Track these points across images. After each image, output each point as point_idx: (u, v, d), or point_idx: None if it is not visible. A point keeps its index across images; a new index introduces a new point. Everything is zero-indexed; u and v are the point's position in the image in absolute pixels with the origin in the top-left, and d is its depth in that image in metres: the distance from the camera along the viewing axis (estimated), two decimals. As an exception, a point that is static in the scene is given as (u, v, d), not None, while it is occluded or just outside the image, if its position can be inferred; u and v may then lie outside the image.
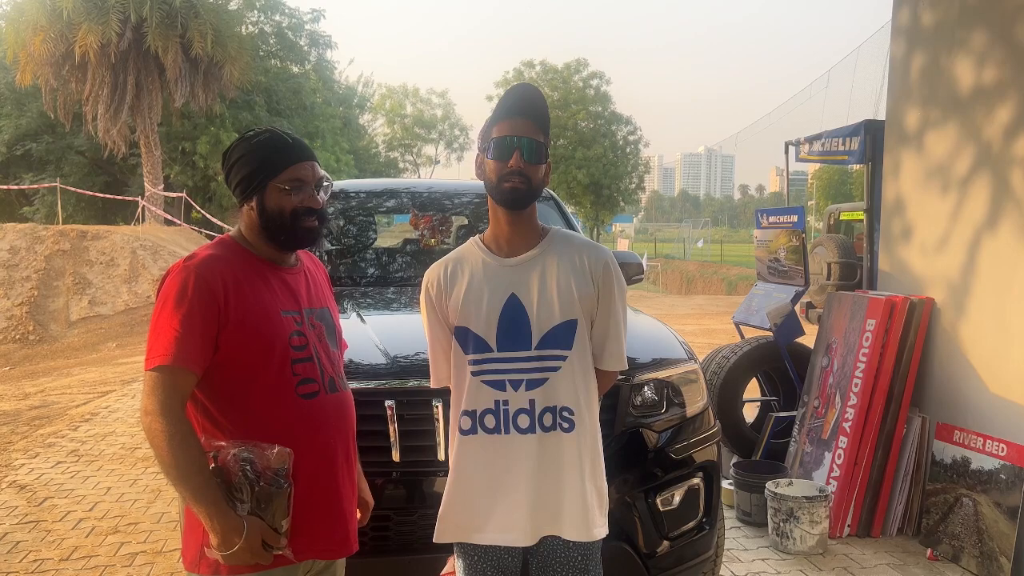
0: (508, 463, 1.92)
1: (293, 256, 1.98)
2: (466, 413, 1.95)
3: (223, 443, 1.75)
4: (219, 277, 1.78)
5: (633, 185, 39.51)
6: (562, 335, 1.93)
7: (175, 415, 1.70)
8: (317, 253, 4.31)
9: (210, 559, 1.73)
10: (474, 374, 1.94)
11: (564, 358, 1.93)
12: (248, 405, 1.81)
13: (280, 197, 1.85)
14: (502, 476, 1.92)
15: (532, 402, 1.91)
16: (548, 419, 1.92)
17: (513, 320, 1.93)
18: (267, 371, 1.81)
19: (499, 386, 1.93)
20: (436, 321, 2.02)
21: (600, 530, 1.98)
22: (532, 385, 1.92)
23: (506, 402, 1.92)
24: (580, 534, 1.94)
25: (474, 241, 2.04)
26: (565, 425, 1.93)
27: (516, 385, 1.92)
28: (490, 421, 1.93)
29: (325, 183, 1.93)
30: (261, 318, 1.82)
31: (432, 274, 2.04)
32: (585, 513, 1.94)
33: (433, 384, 2.08)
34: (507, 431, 1.92)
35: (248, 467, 1.70)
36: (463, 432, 1.96)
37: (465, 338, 1.96)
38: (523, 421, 1.92)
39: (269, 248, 1.91)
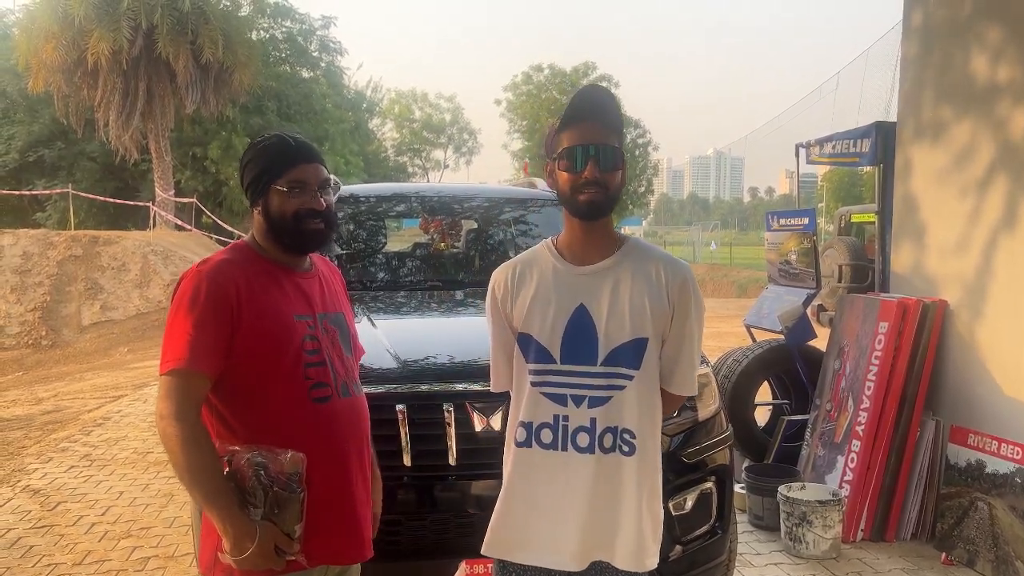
0: (563, 482, 1.82)
1: (307, 261, 1.99)
2: (523, 424, 1.85)
3: (237, 448, 1.75)
4: (232, 281, 1.79)
5: (642, 188, 39.43)
6: (631, 353, 1.81)
7: (190, 419, 1.71)
8: (328, 257, 4.32)
9: (224, 564, 1.74)
10: (534, 384, 1.84)
11: (631, 378, 1.81)
12: (261, 409, 1.81)
13: (281, 199, 1.86)
14: (555, 495, 1.83)
15: (593, 421, 1.80)
16: (608, 440, 1.81)
17: (580, 332, 1.82)
18: (279, 375, 1.82)
19: (560, 400, 1.82)
20: (500, 324, 1.93)
21: (652, 560, 1.85)
22: (595, 403, 1.81)
23: (566, 418, 1.82)
24: (632, 563, 1.83)
25: (546, 244, 1.94)
26: (626, 448, 1.82)
27: (578, 401, 1.81)
28: (547, 436, 1.83)
29: (332, 185, 1.93)
30: (274, 322, 1.82)
31: (500, 275, 1.95)
32: (640, 541, 1.83)
33: (493, 389, 2.00)
34: (564, 448, 1.82)
35: (261, 472, 1.70)
36: (518, 444, 1.86)
37: (527, 346, 1.86)
38: (582, 440, 1.81)
39: (280, 252, 1.92)
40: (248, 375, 1.80)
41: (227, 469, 1.72)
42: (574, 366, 1.83)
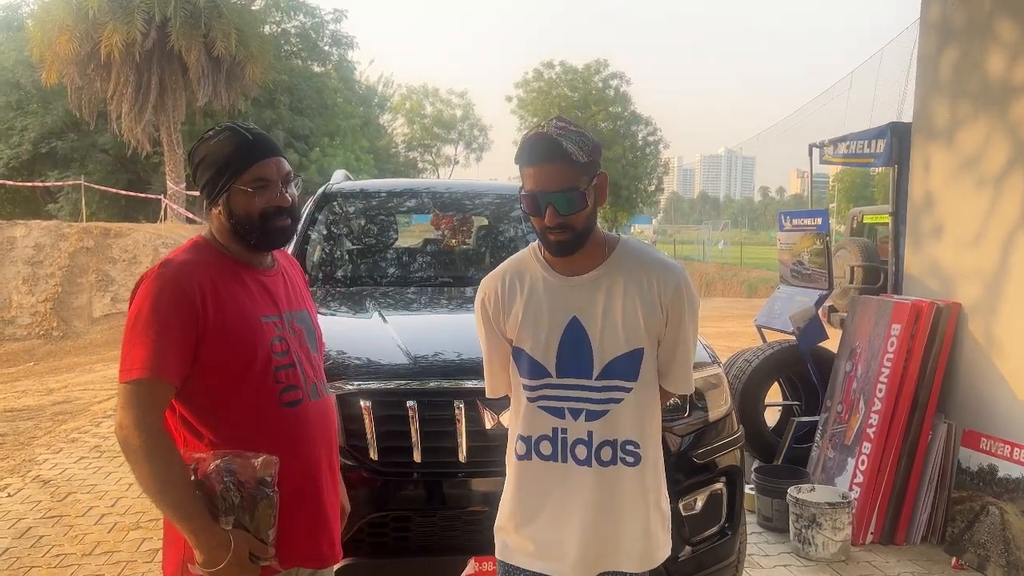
0: (564, 493, 1.81)
1: (269, 257, 1.91)
2: (522, 438, 1.84)
3: (203, 455, 1.69)
4: (196, 284, 1.70)
5: (652, 187, 39.34)
6: (627, 365, 1.79)
7: (153, 429, 1.63)
8: (338, 253, 4.32)
9: (192, 574, 1.67)
10: (531, 400, 1.83)
11: (628, 390, 1.79)
12: (230, 415, 1.74)
13: (246, 200, 1.76)
14: (556, 506, 1.82)
15: (590, 434, 1.79)
16: (607, 453, 1.79)
17: (574, 346, 1.79)
18: (249, 380, 1.75)
19: (558, 413, 1.81)
20: (493, 334, 1.90)
21: (664, 551, 1.87)
22: (592, 416, 1.79)
23: (564, 430, 1.80)
24: (641, 564, 1.83)
25: (533, 251, 1.89)
26: (629, 459, 1.80)
27: (575, 414, 1.80)
28: (546, 448, 1.82)
29: (294, 177, 1.84)
30: (241, 326, 1.74)
31: (489, 287, 1.91)
32: (648, 542, 1.83)
33: (489, 395, 1.98)
34: (564, 460, 1.81)
35: (230, 478, 1.64)
36: (519, 457, 1.86)
37: (521, 360, 1.84)
38: (581, 452, 1.80)
39: (243, 250, 1.83)
40: (215, 380, 1.72)
41: (193, 478, 1.65)
42: (570, 379, 1.80)
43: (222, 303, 1.73)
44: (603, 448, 1.79)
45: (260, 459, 1.68)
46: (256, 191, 1.76)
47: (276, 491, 1.69)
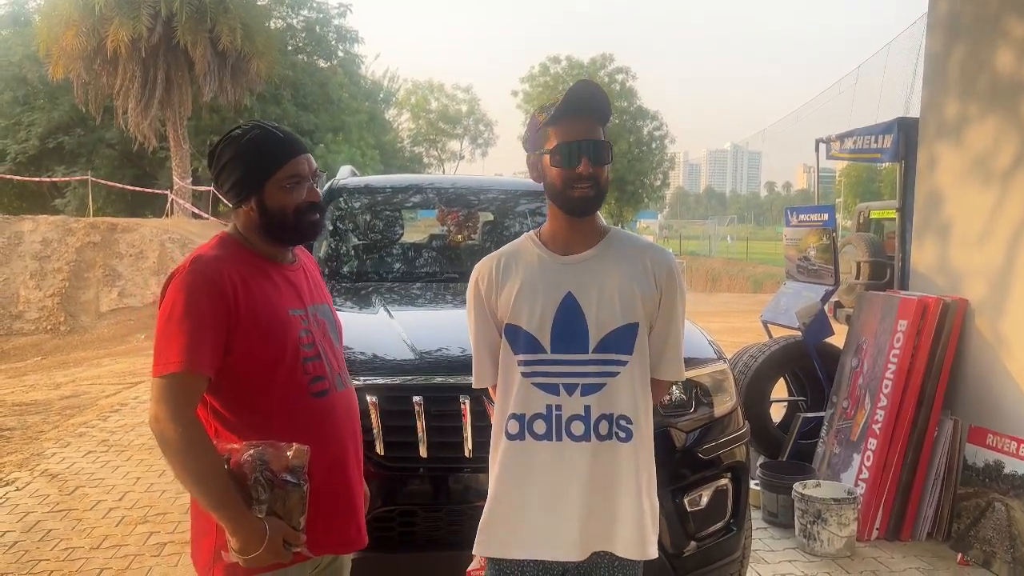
0: (559, 472, 1.81)
1: (291, 252, 1.96)
2: (514, 416, 1.83)
3: (236, 445, 1.72)
4: (227, 278, 1.74)
5: (658, 182, 39.27)
6: (623, 339, 1.82)
7: (188, 420, 1.67)
8: (344, 249, 4.33)
9: (226, 562, 1.71)
10: (524, 375, 1.83)
11: (624, 363, 1.82)
12: (261, 406, 1.79)
13: (281, 196, 1.81)
14: (551, 486, 1.81)
15: (587, 408, 1.80)
16: (604, 427, 1.81)
17: (569, 320, 1.81)
18: (279, 372, 1.79)
19: (552, 390, 1.81)
20: (483, 317, 1.91)
21: (652, 548, 1.85)
22: (588, 390, 1.80)
23: (559, 407, 1.80)
24: (634, 552, 1.82)
25: (529, 237, 1.93)
26: (622, 435, 1.81)
27: (571, 390, 1.80)
28: (540, 427, 1.81)
29: (319, 175, 1.90)
30: (271, 319, 1.79)
31: (483, 268, 1.93)
32: (641, 530, 1.82)
33: (476, 384, 1.99)
34: (559, 438, 1.81)
35: (262, 468, 1.67)
36: (510, 437, 1.84)
37: (515, 337, 1.84)
38: (577, 428, 1.80)
39: (269, 246, 1.88)
40: (247, 372, 1.76)
41: (227, 468, 1.69)
42: (565, 355, 1.82)
43: (252, 297, 1.77)
44: (601, 422, 1.82)
45: (292, 449, 1.71)
46: (292, 187, 1.82)
47: (307, 480, 1.73)
